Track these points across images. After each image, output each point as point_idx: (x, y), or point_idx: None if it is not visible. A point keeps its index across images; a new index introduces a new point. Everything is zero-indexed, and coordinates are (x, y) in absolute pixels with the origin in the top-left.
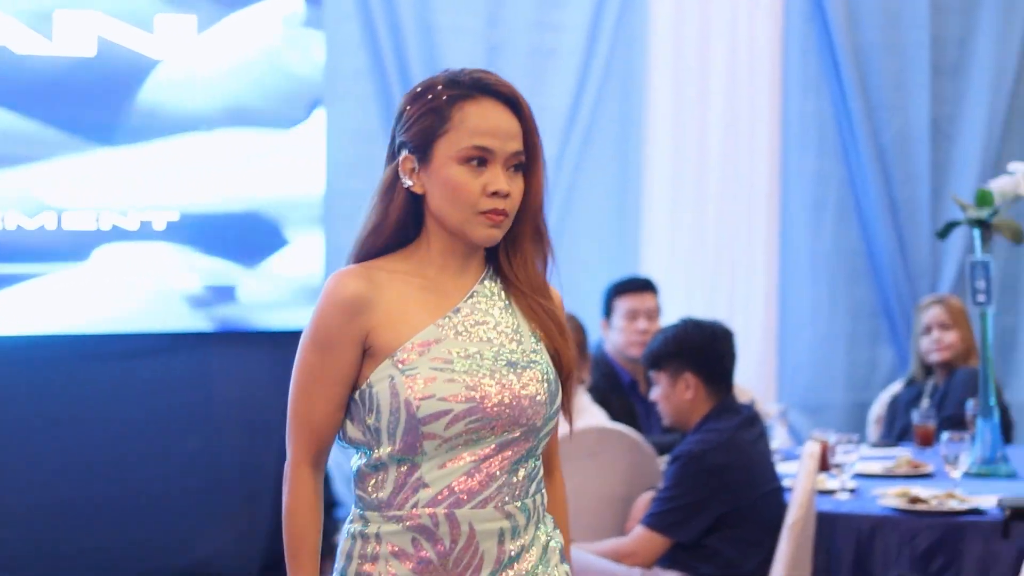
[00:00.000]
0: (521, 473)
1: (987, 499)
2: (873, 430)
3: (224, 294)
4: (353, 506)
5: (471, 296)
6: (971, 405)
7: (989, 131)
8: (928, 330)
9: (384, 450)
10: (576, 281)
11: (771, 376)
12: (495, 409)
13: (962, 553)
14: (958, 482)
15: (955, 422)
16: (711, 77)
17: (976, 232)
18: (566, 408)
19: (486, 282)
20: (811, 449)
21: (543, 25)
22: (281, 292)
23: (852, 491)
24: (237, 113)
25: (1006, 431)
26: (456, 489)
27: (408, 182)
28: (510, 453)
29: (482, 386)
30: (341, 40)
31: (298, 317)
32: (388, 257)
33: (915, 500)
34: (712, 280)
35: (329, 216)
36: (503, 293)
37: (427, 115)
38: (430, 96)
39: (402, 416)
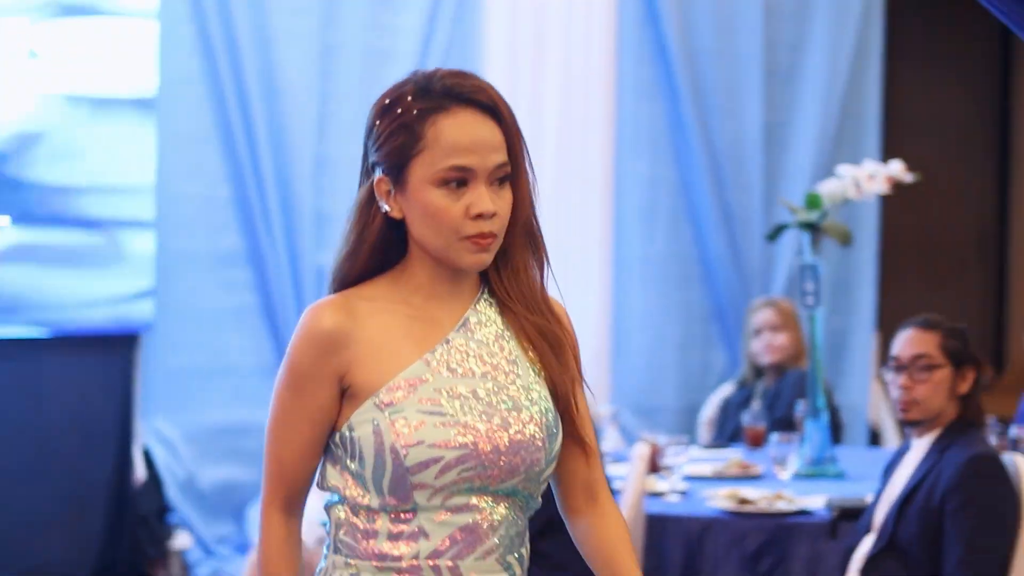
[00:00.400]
0: (521, 523)
1: (815, 500)
2: (704, 432)
3: (55, 297)
4: (331, 552)
5: (463, 324)
6: (801, 406)
7: (821, 136)
8: (758, 332)
9: (374, 501)
10: None
11: (604, 378)
12: (491, 456)
13: (790, 554)
14: (787, 483)
15: (785, 424)
16: (546, 81)
17: (805, 235)
18: (580, 437)
19: (480, 305)
20: (640, 451)
21: (378, 27)
22: (112, 295)
23: (682, 493)
24: (68, 113)
25: (836, 432)
26: (458, 539)
27: (385, 207)
28: (510, 502)
29: (476, 430)
30: (175, 42)
31: (128, 320)
32: (371, 283)
33: (744, 502)
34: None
35: (160, 219)
36: (499, 317)
37: (397, 132)
38: (399, 110)
39: (388, 464)
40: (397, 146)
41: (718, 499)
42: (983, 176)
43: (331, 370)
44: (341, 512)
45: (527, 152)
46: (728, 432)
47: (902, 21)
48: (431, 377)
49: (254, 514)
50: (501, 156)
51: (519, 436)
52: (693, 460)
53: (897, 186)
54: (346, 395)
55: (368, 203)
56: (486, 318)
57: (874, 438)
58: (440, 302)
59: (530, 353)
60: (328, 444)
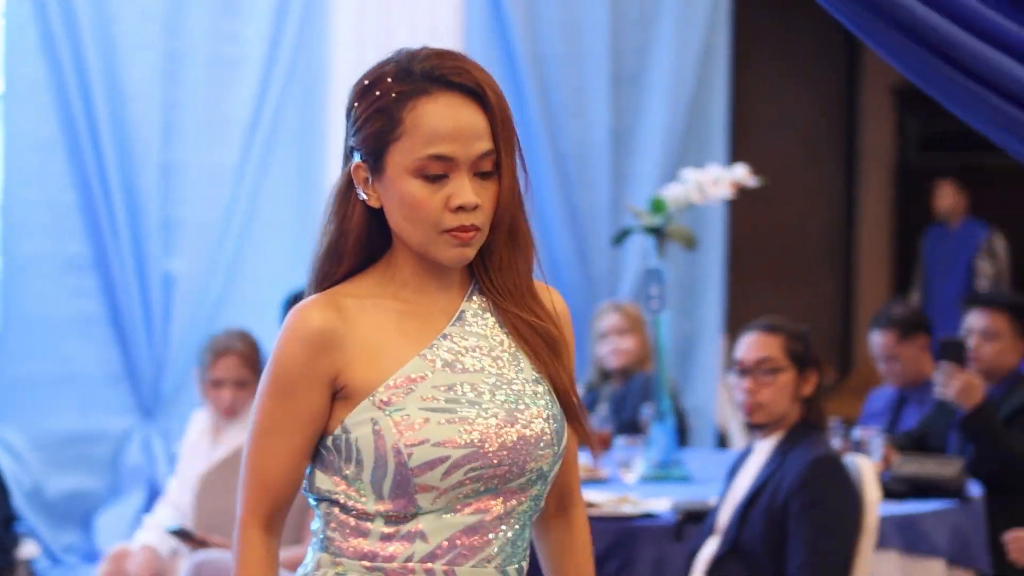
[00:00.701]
0: (526, 535)
1: (661, 503)
2: None
3: None
4: (317, 550)
5: (459, 317)
6: (647, 410)
7: (668, 139)
8: (604, 336)
9: (371, 506)
10: (257, 291)
11: None
12: (498, 454)
13: (636, 556)
14: (632, 486)
15: (631, 427)
16: None
17: (650, 239)
18: (582, 435)
19: (475, 298)
20: None
21: (223, 34)
22: None
23: None
24: None
25: (682, 435)
26: (457, 544)
27: (363, 195)
28: (516, 504)
29: (482, 427)
30: (20, 48)
31: None
32: (355, 280)
33: (589, 505)
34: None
35: (5, 224)
36: (494, 309)
37: (375, 116)
38: (378, 92)
39: (390, 466)
40: (374, 131)
41: None
42: (830, 179)
43: (323, 372)
44: (331, 509)
45: (517, 139)
46: None
47: (749, 25)
48: (431, 373)
49: (102, 522)
50: (485, 144)
51: (527, 432)
52: None
53: (744, 189)
54: (339, 397)
55: (347, 190)
56: (482, 309)
57: (722, 440)
58: (431, 295)
59: (525, 349)
60: (318, 449)
